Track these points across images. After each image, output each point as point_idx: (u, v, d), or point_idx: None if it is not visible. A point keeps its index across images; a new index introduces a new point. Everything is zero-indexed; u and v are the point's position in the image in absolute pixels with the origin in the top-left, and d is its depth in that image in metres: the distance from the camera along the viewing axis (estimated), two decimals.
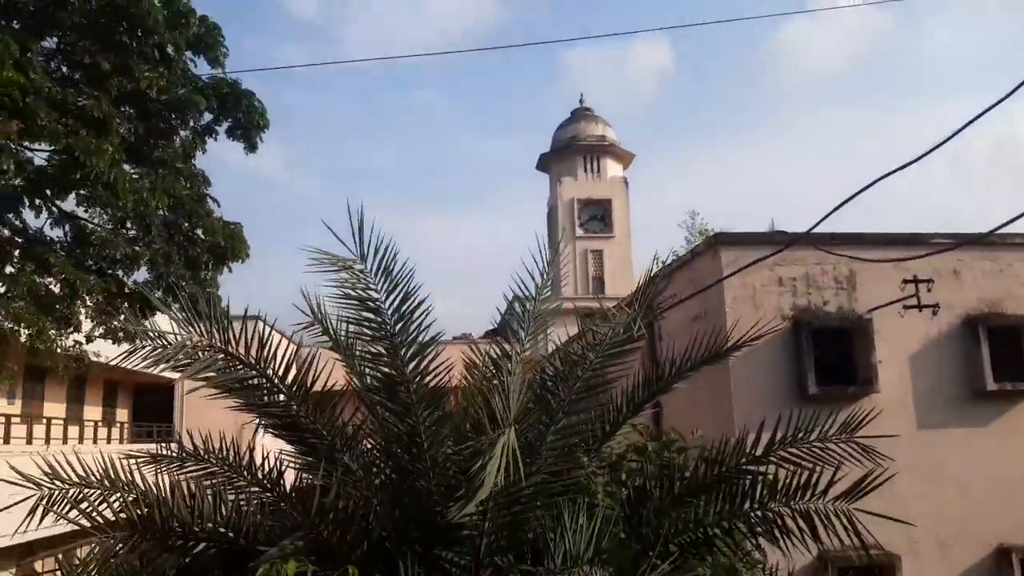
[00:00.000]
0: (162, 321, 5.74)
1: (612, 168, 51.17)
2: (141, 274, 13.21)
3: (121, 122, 10.18)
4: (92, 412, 29.94)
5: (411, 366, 4.96)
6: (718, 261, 12.20)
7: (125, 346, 13.99)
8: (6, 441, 21.93)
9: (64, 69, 10.66)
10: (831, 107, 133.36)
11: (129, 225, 12.35)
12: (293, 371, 5.26)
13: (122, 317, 13.34)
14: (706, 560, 4.71)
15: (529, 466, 4.38)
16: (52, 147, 9.57)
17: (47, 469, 4.80)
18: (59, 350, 12.47)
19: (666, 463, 5.49)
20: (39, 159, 10.97)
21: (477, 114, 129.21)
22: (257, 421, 5.76)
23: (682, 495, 5.02)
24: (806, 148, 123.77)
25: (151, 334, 5.01)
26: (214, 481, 5.51)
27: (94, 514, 4.19)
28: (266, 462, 5.72)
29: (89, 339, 13.34)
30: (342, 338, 5.88)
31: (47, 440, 24.11)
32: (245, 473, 5.67)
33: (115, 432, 30.53)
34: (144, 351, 4.97)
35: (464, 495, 4.05)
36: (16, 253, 11.88)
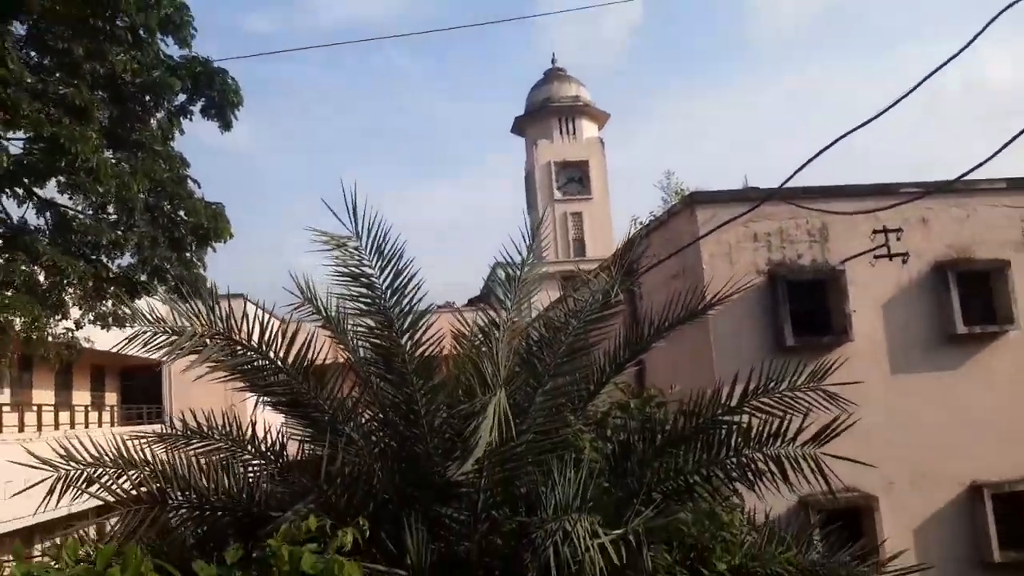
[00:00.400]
0: (155, 304, 5.93)
1: (588, 129, 51.16)
2: (125, 259, 13.30)
3: (100, 107, 10.23)
4: (81, 397, 30.01)
5: (405, 338, 5.23)
6: (694, 220, 12.48)
7: (115, 331, 14.23)
8: None
9: (34, 56, 10.64)
10: (801, 59, 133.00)
11: (111, 210, 12.42)
12: (292, 350, 5.49)
13: (110, 303, 13.49)
14: (687, 505, 5.07)
15: (519, 425, 4.68)
16: (33, 136, 9.64)
17: (61, 451, 5.04)
18: (51, 338, 12.61)
19: (648, 418, 5.83)
20: (14, 148, 11.00)
21: (446, 77, 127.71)
22: (255, 399, 6.02)
23: (663, 447, 5.36)
24: (778, 100, 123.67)
25: (149, 320, 5.22)
26: (220, 456, 5.78)
27: (112, 491, 4.44)
28: (268, 435, 6.01)
29: (79, 325, 13.48)
30: (332, 314, 6.13)
31: (39, 427, 24.31)
32: (248, 447, 5.96)
33: (105, 416, 30.74)
34: (145, 336, 5.18)
35: (461, 455, 4.35)
36: None
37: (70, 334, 13.47)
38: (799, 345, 11.77)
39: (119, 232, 11.91)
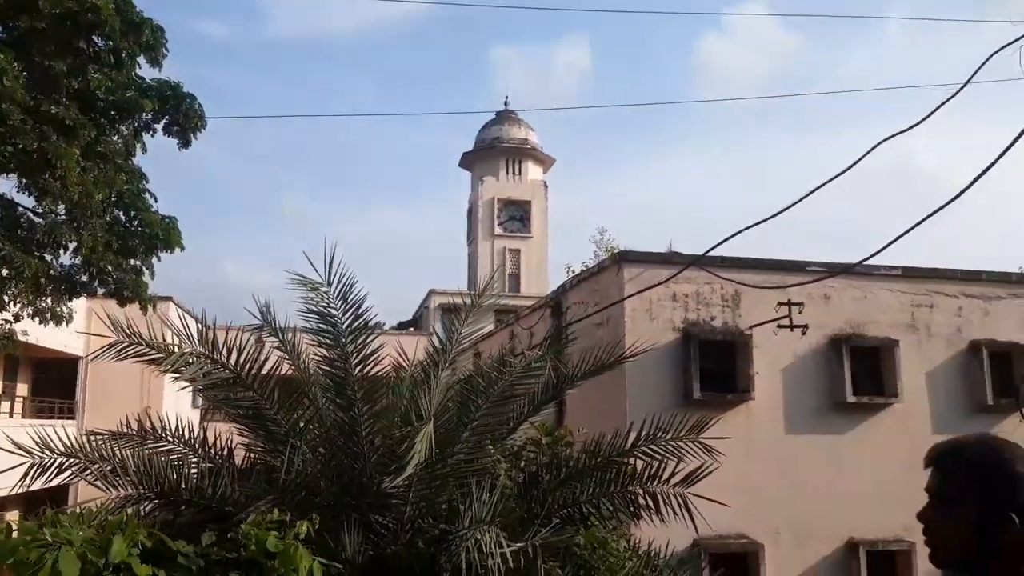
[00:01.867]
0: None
1: (533, 171, 52.64)
2: (65, 258, 13.58)
3: (85, 127, 10.73)
4: None
5: (356, 370, 6.05)
6: (621, 276, 13.56)
7: (51, 326, 14.42)
8: None
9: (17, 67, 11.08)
10: (744, 127, 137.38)
11: (62, 212, 12.80)
12: (261, 371, 6.23)
13: (48, 300, 13.79)
14: (581, 529, 5.96)
15: (446, 452, 5.51)
16: (22, 146, 10.11)
17: (36, 440, 5.63)
18: None
19: (556, 454, 6.74)
20: None
21: (393, 102, 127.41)
22: (204, 406, 6.72)
23: (566, 479, 6.28)
24: (712, 164, 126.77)
25: (126, 332, 5.89)
26: (174, 456, 6.43)
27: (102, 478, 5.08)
28: (218, 440, 6.69)
29: (17, 319, 13.73)
30: (288, 337, 6.91)
31: None
32: (199, 449, 6.62)
33: (17, 407, 30.03)
34: (121, 345, 5.85)
35: (394, 471, 5.15)
36: None
37: (7, 326, 13.70)
38: (706, 399, 12.73)
39: (72, 233, 12.31)
